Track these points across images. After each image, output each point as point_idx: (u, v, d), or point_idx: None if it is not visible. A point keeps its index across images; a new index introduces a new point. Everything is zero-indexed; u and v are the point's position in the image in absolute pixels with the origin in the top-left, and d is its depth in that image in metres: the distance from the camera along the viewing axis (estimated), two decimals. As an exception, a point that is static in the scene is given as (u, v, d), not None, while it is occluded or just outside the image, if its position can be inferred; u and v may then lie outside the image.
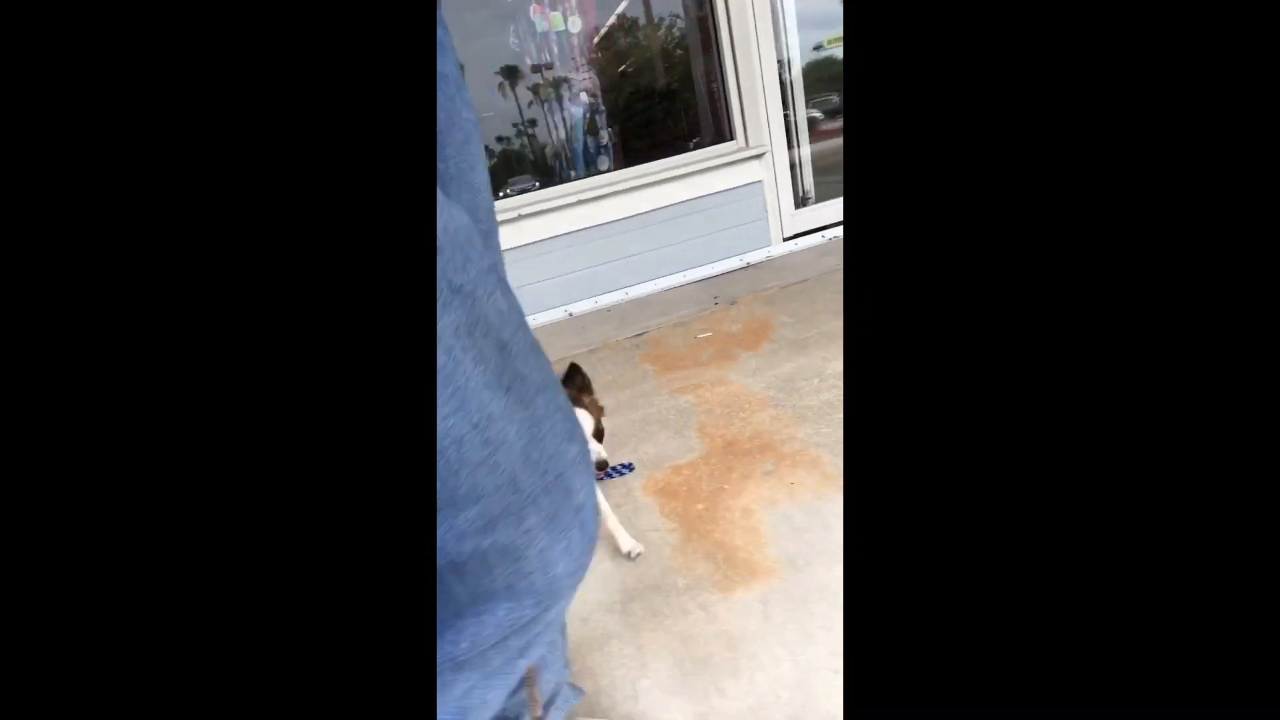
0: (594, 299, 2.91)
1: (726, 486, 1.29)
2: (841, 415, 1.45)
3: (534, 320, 2.84)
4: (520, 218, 2.73)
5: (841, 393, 1.56)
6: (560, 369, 2.21)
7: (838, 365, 1.70)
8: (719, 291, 2.69)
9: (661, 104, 3.22)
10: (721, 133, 3.11)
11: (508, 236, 2.73)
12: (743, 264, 3.04)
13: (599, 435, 1.15)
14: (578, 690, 0.76)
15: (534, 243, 2.78)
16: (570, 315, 2.86)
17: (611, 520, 1.17)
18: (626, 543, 1.13)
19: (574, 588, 0.45)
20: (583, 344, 2.40)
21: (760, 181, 3.05)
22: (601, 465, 1.10)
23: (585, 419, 1.11)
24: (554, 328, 2.74)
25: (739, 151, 2.99)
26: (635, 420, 1.67)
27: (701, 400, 1.69)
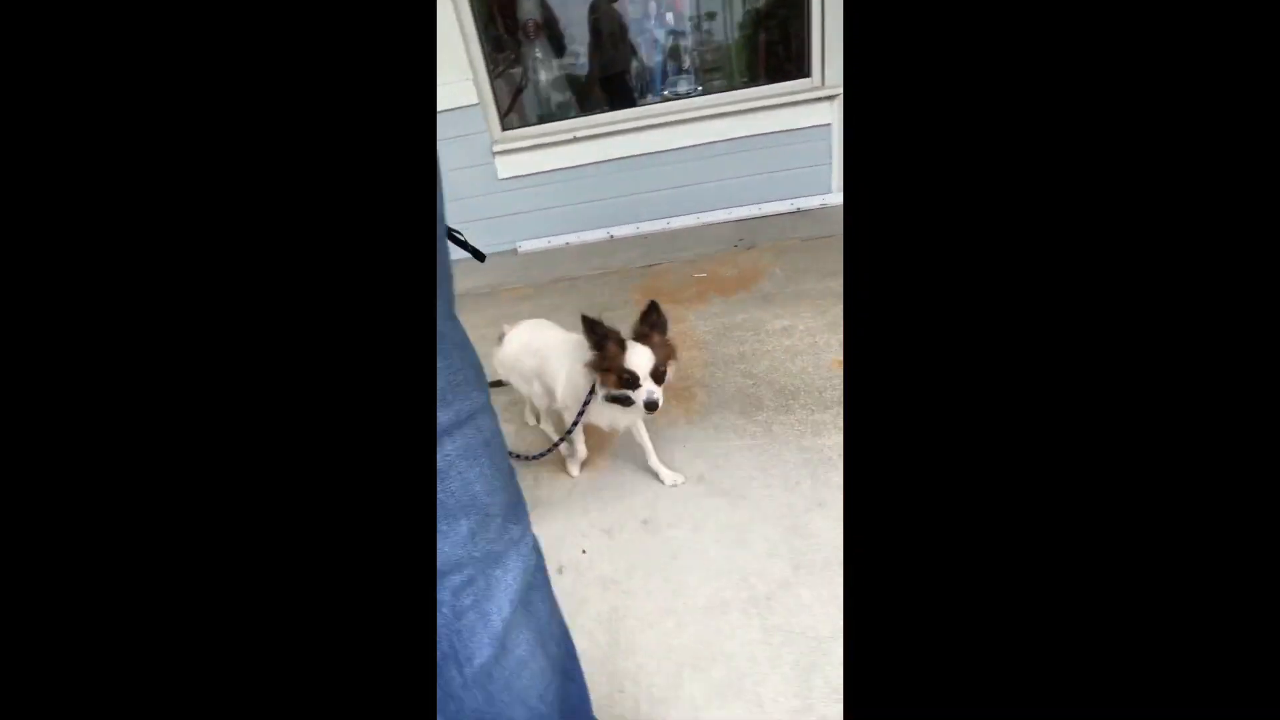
0: (636, 225, 3.16)
1: (615, 403, 1.60)
2: (742, 366, 1.66)
3: (576, 238, 3.17)
4: (575, 140, 3.00)
5: (757, 345, 1.75)
6: (574, 288, 2.53)
7: (781, 323, 1.87)
8: (752, 234, 2.81)
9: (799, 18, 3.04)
10: (799, 68, 3.05)
11: (564, 156, 3.02)
12: (793, 209, 3.08)
13: (658, 376, 1.10)
14: None
15: (590, 164, 3.05)
16: (610, 238, 3.15)
17: (653, 459, 1.30)
18: (669, 477, 1.28)
19: (497, 505, 0.54)
20: (600, 267, 2.70)
21: (828, 125, 3.00)
22: (651, 406, 1.08)
23: (646, 357, 1.09)
24: (589, 247, 3.05)
25: (811, 91, 2.95)
26: (590, 339, 2.00)
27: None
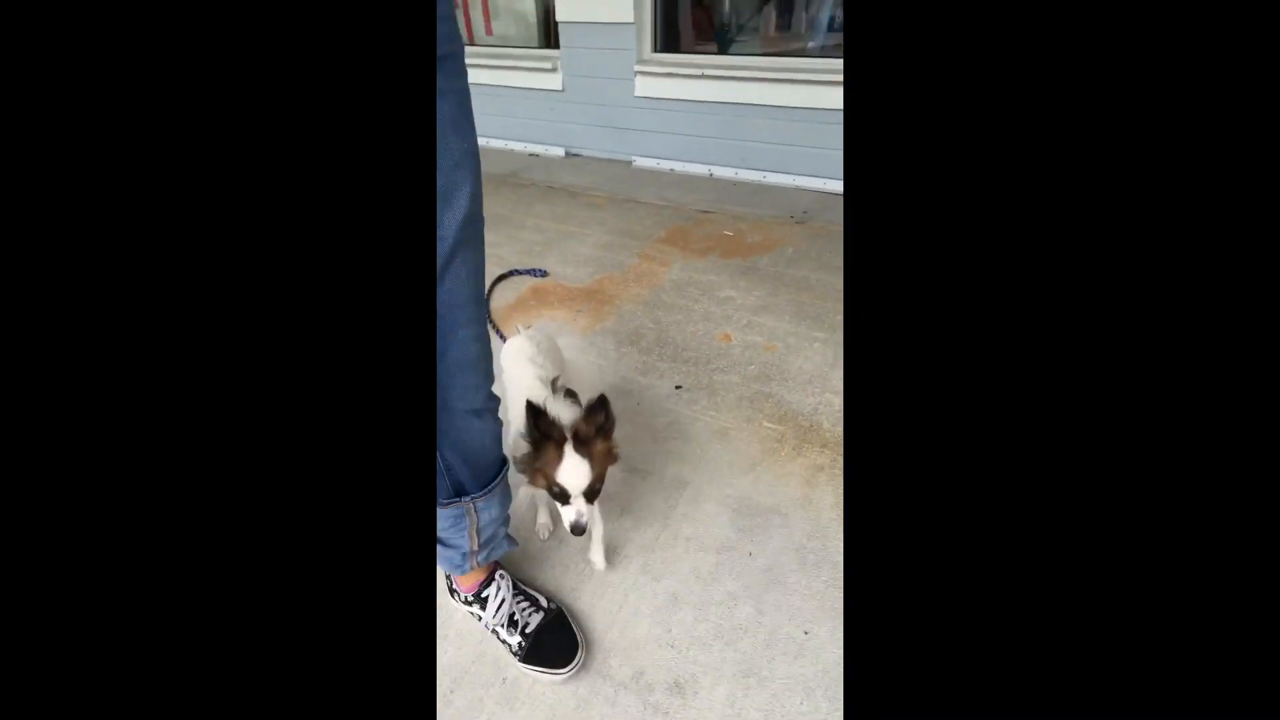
0: (735, 170, 3.41)
1: (561, 302, 2.14)
2: (659, 313, 2.07)
3: (680, 167, 3.54)
4: (704, 76, 3.27)
5: (689, 303, 2.12)
6: (628, 211, 2.96)
7: (730, 293, 2.19)
8: (820, 209, 2.95)
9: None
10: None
11: (693, 89, 3.33)
12: (887, 197, 3.07)
13: (590, 495, 0.96)
14: (512, 542, 1.05)
15: (713, 102, 3.32)
16: (710, 175, 3.46)
17: (596, 538, 1.17)
18: (599, 562, 1.18)
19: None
20: (667, 200, 3.10)
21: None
22: (576, 530, 0.95)
23: (583, 473, 0.94)
24: (684, 179, 3.42)
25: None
26: (590, 254, 2.51)
27: (636, 266, 2.41)
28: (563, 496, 0.96)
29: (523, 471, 1.00)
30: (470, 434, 0.88)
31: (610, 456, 1.00)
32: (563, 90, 3.74)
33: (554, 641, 1.04)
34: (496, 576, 1.09)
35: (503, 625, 1.05)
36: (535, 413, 0.95)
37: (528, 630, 1.04)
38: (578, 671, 1.02)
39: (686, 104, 3.40)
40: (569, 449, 0.94)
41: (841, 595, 1.14)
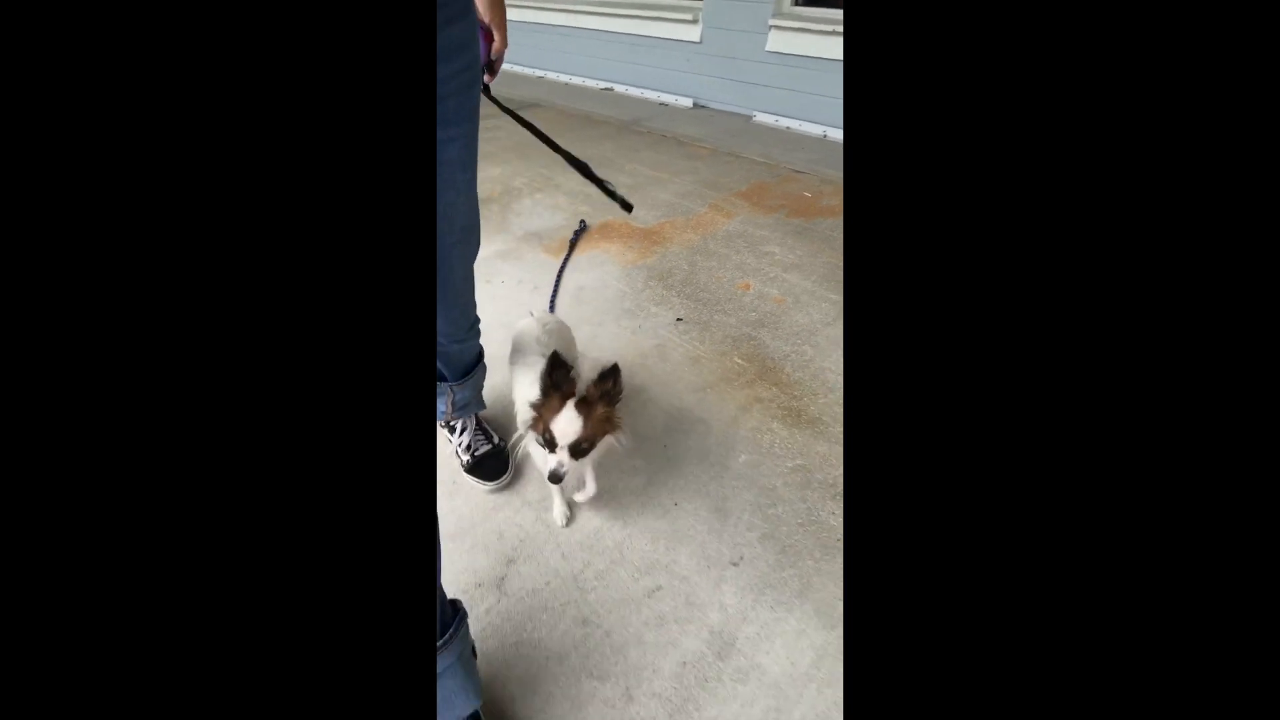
0: (850, 134, 3.42)
1: (620, 239, 2.50)
2: (698, 258, 2.34)
3: (798, 125, 3.62)
4: (836, 33, 3.30)
5: (732, 253, 2.36)
6: (722, 163, 3.16)
7: (773, 249, 2.38)
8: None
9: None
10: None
11: (822, 46, 3.38)
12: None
13: (577, 450, 1.06)
14: (481, 404, 1.48)
15: (839, 60, 3.35)
16: (824, 137, 3.51)
17: (589, 483, 1.31)
18: (559, 513, 1.33)
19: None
20: (768, 157, 3.25)
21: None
22: (553, 478, 1.07)
23: (573, 427, 1.04)
24: (797, 138, 3.51)
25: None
26: (667, 200, 2.80)
27: (701, 215, 2.67)
28: (550, 444, 1.08)
29: (529, 424, 1.15)
30: (450, 352, 1.32)
31: (608, 424, 1.11)
32: (700, 42, 3.95)
33: (491, 464, 1.47)
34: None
35: (460, 447, 1.50)
36: (555, 364, 1.08)
37: (476, 453, 1.48)
38: (502, 488, 1.44)
39: (814, 61, 3.46)
40: (570, 403, 1.07)
41: (719, 486, 1.42)
